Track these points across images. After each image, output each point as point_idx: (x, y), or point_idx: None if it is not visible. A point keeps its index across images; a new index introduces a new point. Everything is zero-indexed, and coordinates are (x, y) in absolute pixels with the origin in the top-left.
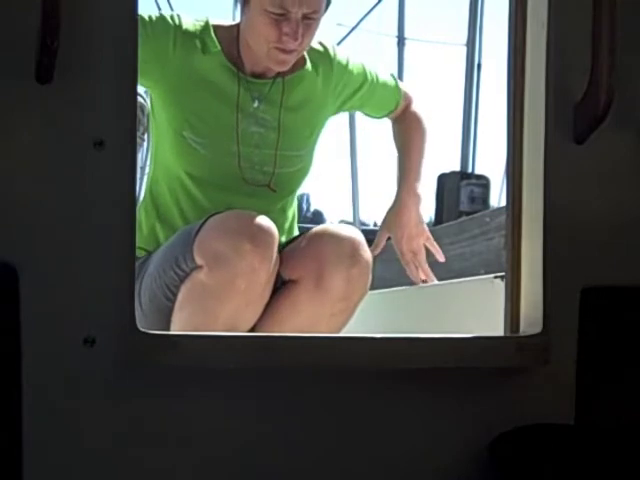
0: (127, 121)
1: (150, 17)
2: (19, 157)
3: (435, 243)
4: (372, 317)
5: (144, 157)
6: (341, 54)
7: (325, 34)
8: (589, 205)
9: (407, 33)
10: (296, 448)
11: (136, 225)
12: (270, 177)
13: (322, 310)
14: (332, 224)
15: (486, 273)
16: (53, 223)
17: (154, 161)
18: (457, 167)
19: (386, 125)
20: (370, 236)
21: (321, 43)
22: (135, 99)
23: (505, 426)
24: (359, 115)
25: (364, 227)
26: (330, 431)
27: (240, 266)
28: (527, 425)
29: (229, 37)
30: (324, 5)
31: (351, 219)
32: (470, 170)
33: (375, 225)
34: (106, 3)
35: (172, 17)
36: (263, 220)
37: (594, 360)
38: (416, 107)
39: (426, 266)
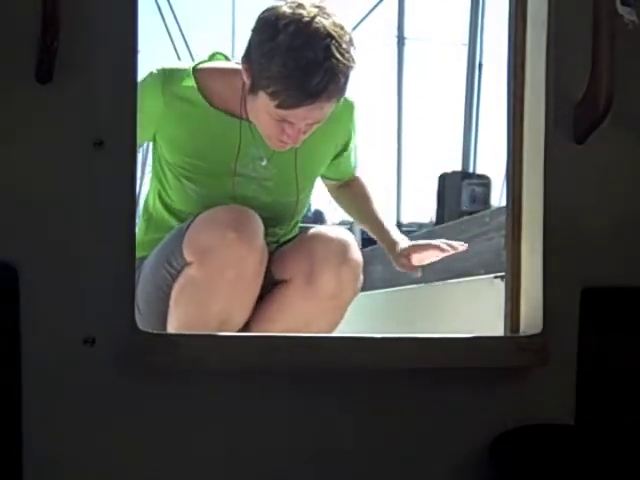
0: (127, 121)
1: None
2: (19, 157)
3: (440, 242)
4: (372, 317)
5: (144, 155)
6: (357, 113)
7: None
8: (589, 205)
9: (407, 32)
10: (296, 448)
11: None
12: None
13: (313, 309)
14: (324, 227)
15: (486, 273)
16: (53, 223)
17: (153, 185)
18: (458, 167)
19: (386, 125)
20: (369, 235)
21: (346, 99)
22: (135, 99)
23: (505, 426)
24: (359, 115)
25: None
26: (330, 431)
27: (228, 256)
28: (527, 425)
29: (229, 86)
30: (329, 112)
31: (351, 218)
32: (471, 170)
33: None
34: (106, 3)
35: (156, 82)
36: (248, 211)
37: (594, 360)
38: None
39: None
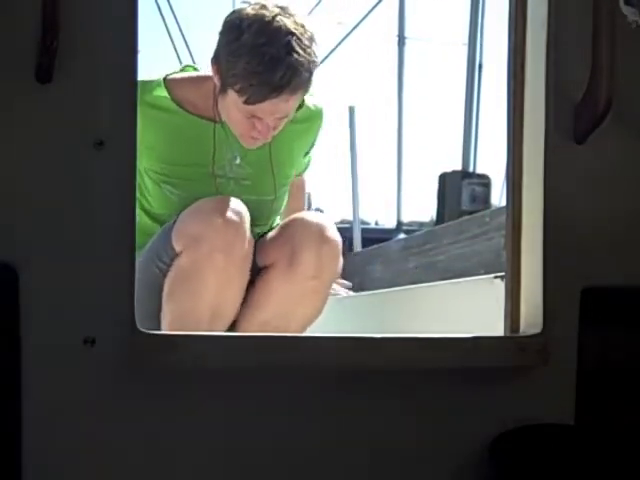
0: (127, 121)
1: None
2: (19, 157)
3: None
4: (372, 317)
5: None
6: (325, 116)
7: (325, 33)
8: (589, 205)
9: (408, 32)
10: (297, 448)
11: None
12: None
13: (295, 290)
14: (302, 212)
15: (486, 273)
16: (53, 223)
17: None
18: (458, 166)
19: (386, 124)
20: (370, 235)
21: (316, 105)
22: (135, 99)
23: (505, 426)
24: (359, 115)
25: (365, 226)
26: (330, 431)
27: (216, 241)
28: (527, 425)
29: (202, 93)
30: (297, 105)
31: (351, 218)
32: (471, 169)
33: (376, 224)
34: (106, 3)
35: None
36: (233, 199)
37: (594, 360)
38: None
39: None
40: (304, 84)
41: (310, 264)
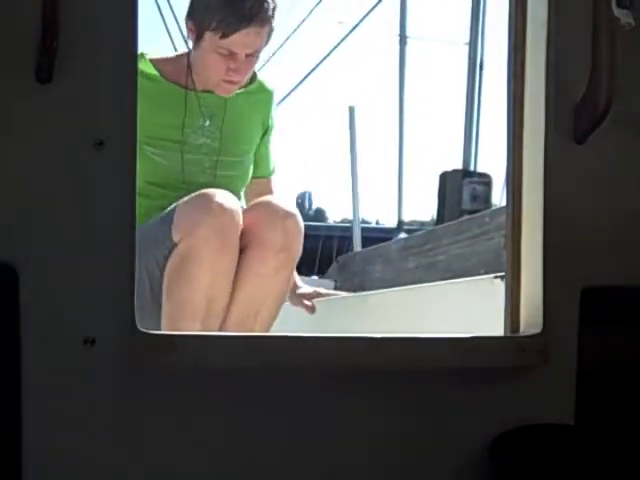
0: (127, 121)
1: None
2: (19, 157)
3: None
4: (372, 317)
5: None
6: (275, 97)
7: (326, 33)
8: (589, 205)
9: (409, 31)
10: (297, 447)
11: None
12: (215, 179)
13: (268, 265)
14: (264, 197)
15: (486, 273)
16: (53, 223)
17: None
18: (459, 165)
19: (387, 123)
20: (371, 234)
21: (267, 84)
22: (135, 99)
23: (505, 426)
24: (359, 114)
25: (365, 225)
26: (330, 430)
27: (213, 224)
28: (527, 425)
29: (178, 66)
30: (264, 43)
31: (352, 217)
32: (472, 168)
33: (377, 223)
34: (106, 3)
35: None
36: (225, 192)
37: (594, 360)
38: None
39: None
40: (269, 19)
41: (278, 238)
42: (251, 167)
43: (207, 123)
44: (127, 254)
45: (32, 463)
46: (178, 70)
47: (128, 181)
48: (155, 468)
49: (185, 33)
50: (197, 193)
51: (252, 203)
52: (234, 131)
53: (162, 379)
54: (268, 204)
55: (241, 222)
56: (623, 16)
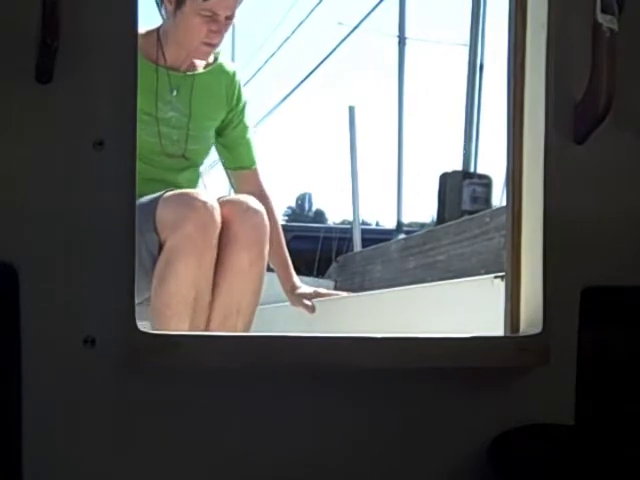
0: (127, 121)
1: None
2: (19, 157)
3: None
4: (372, 317)
5: None
6: (239, 78)
7: (326, 34)
8: (589, 205)
9: (408, 33)
10: (297, 447)
11: None
12: (185, 152)
13: (242, 260)
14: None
15: (486, 273)
16: (53, 223)
17: None
18: (459, 166)
19: (387, 124)
20: (371, 235)
21: (225, 64)
22: (135, 99)
23: (505, 426)
24: (359, 114)
25: (365, 226)
26: (330, 430)
27: (196, 219)
28: (527, 425)
29: (148, 42)
30: (238, 5)
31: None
32: (472, 169)
33: (377, 224)
34: (106, 3)
35: None
36: (205, 192)
37: (594, 360)
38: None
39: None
40: None
41: (248, 232)
42: (212, 141)
43: (174, 94)
44: (127, 254)
45: (32, 463)
46: (148, 46)
47: (128, 181)
48: (155, 467)
49: (160, 2)
50: (178, 192)
51: (221, 201)
52: (201, 106)
53: (162, 379)
54: (233, 204)
55: (219, 218)
56: (607, 22)
